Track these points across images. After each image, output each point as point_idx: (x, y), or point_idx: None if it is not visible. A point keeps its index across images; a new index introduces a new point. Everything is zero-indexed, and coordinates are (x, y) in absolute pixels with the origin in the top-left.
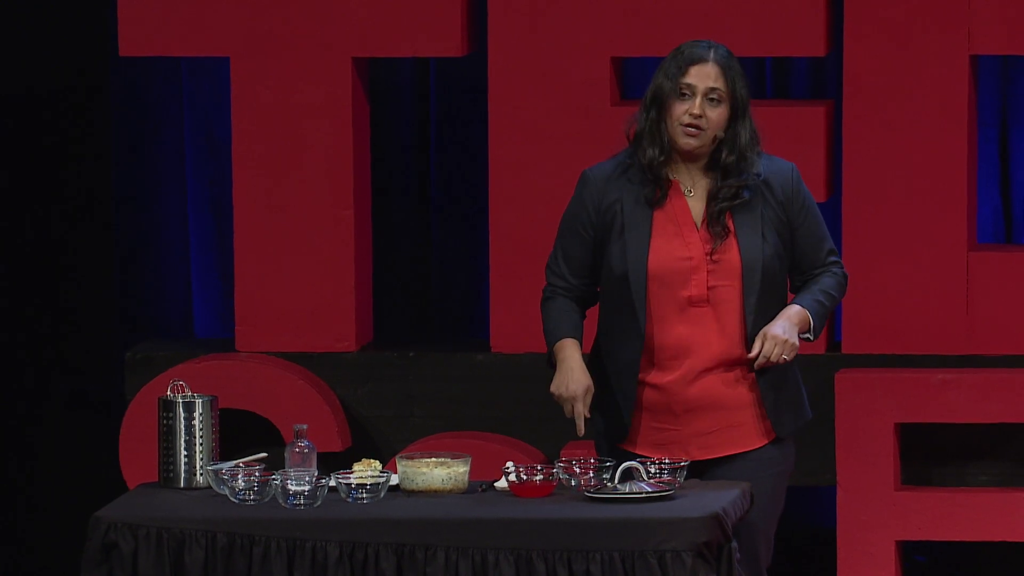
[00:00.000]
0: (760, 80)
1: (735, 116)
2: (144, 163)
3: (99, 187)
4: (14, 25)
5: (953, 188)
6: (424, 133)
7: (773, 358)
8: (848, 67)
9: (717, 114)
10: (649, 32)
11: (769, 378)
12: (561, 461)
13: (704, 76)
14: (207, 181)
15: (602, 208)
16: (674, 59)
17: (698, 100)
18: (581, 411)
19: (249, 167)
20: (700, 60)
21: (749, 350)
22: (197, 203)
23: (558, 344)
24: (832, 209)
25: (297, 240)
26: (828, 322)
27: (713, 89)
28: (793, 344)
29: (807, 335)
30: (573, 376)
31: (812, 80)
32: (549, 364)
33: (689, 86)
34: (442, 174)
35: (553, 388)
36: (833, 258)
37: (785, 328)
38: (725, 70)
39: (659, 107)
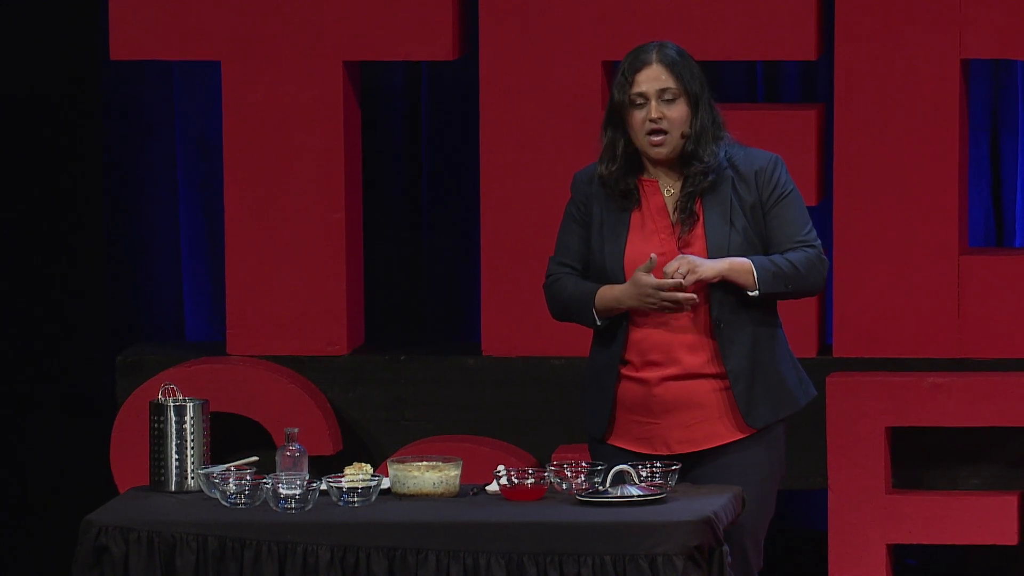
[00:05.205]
0: (751, 84)
1: (695, 109)
2: (135, 167)
3: (90, 190)
4: (5, 29)
5: (944, 192)
6: (415, 136)
7: (669, 270)
8: (839, 71)
9: (675, 112)
10: (640, 36)
11: (741, 368)
12: (552, 465)
13: (652, 79)
14: (198, 185)
15: (587, 205)
16: (621, 71)
17: (653, 104)
18: (655, 282)
19: (240, 171)
20: (644, 65)
21: (715, 341)
22: (188, 206)
23: (596, 297)
24: (823, 213)
25: (288, 244)
26: (818, 325)
27: (664, 90)
28: (699, 274)
29: (754, 293)
30: (625, 290)
31: (803, 84)
32: (595, 324)
33: (640, 94)
34: (433, 177)
35: (634, 303)
36: (809, 239)
37: (707, 262)
38: (671, 67)
39: (615, 123)
